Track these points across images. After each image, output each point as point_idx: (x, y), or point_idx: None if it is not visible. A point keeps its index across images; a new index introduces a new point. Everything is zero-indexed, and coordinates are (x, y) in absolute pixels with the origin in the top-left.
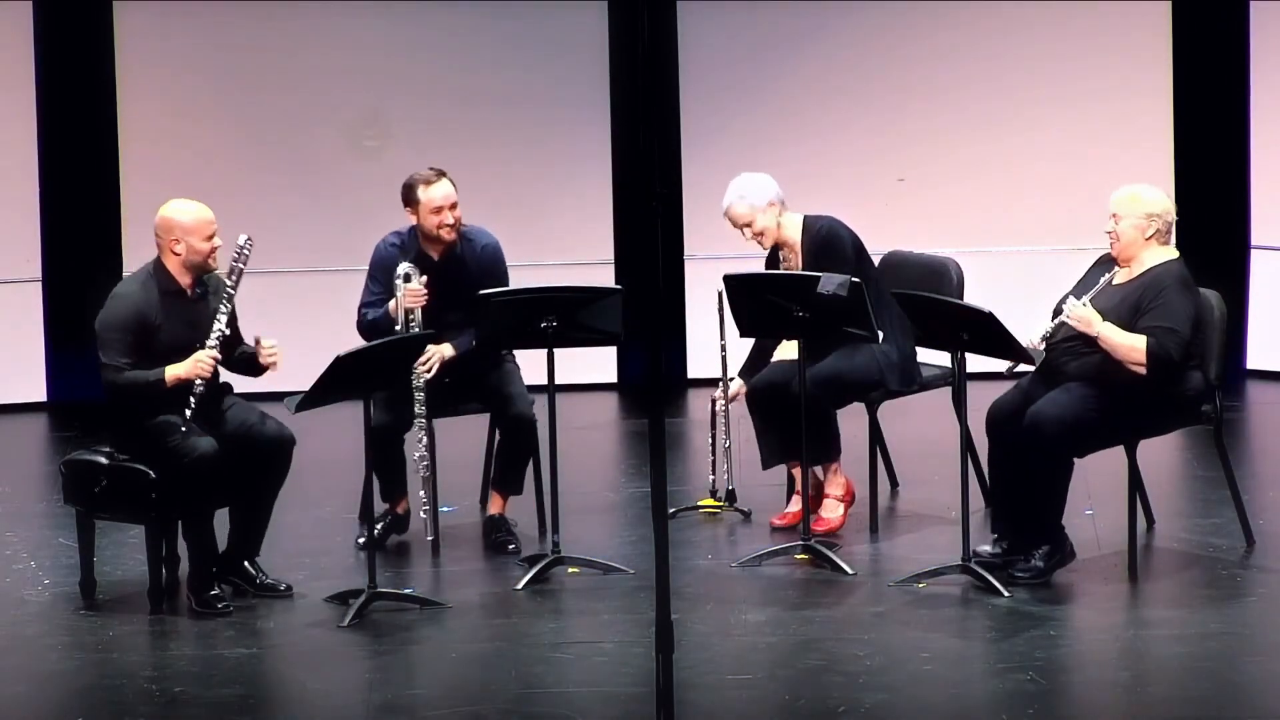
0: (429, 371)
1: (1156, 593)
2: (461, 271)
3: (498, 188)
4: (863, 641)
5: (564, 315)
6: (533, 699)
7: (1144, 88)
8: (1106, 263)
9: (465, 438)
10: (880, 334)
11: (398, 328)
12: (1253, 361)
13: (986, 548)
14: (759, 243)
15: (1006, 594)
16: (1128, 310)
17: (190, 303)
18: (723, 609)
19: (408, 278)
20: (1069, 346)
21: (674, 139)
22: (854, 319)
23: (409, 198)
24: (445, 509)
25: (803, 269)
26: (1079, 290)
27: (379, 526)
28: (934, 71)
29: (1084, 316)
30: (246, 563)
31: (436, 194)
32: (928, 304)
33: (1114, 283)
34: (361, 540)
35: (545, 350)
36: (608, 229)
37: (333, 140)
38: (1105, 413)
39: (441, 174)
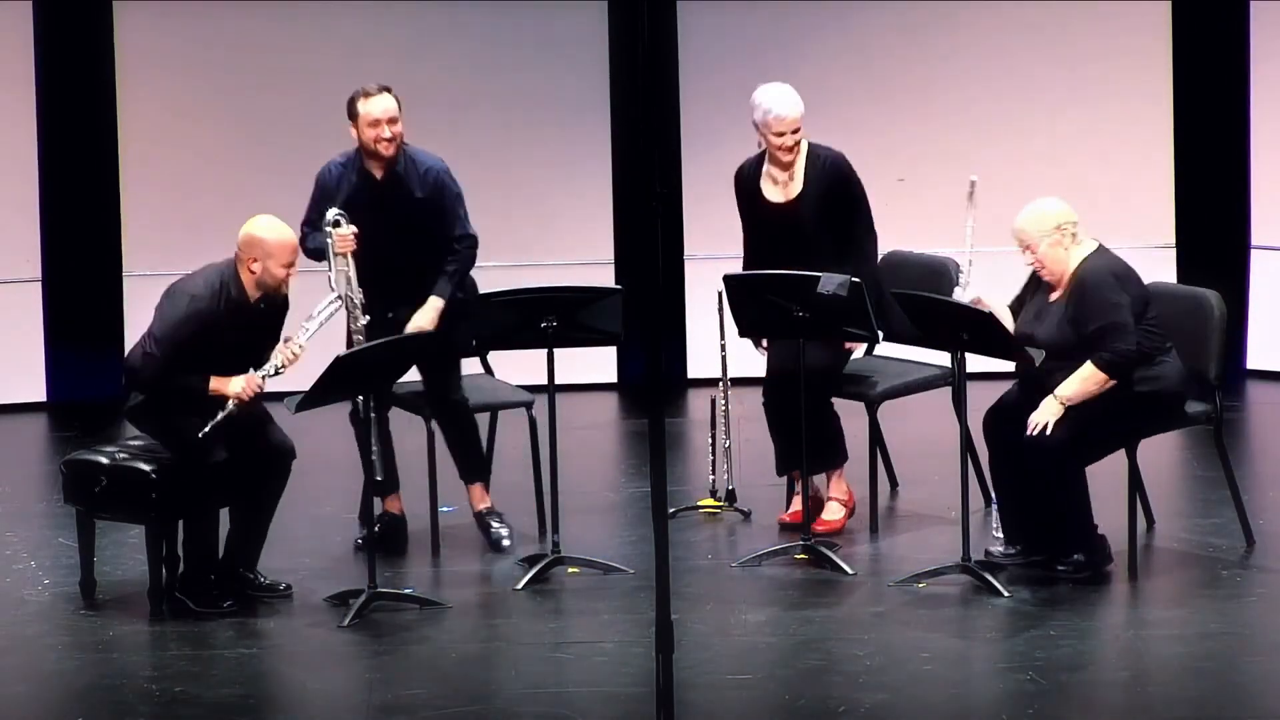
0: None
1: (1156, 593)
2: (404, 191)
3: (498, 188)
4: (863, 641)
5: (564, 315)
6: (533, 699)
7: (1144, 88)
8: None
9: None
10: (880, 334)
11: (330, 274)
12: (1253, 361)
13: (999, 548)
14: (784, 154)
15: (1006, 594)
16: (1070, 325)
17: (255, 312)
18: (723, 609)
19: (337, 223)
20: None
21: (674, 139)
22: (854, 319)
23: (350, 111)
24: (445, 509)
25: (798, 197)
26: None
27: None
28: (934, 72)
29: (1049, 412)
30: (244, 570)
31: (375, 107)
32: (928, 304)
33: (1050, 300)
34: (360, 540)
35: (545, 350)
36: (608, 229)
37: (332, 140)
38: (1096, 423)
39: (385, 89)
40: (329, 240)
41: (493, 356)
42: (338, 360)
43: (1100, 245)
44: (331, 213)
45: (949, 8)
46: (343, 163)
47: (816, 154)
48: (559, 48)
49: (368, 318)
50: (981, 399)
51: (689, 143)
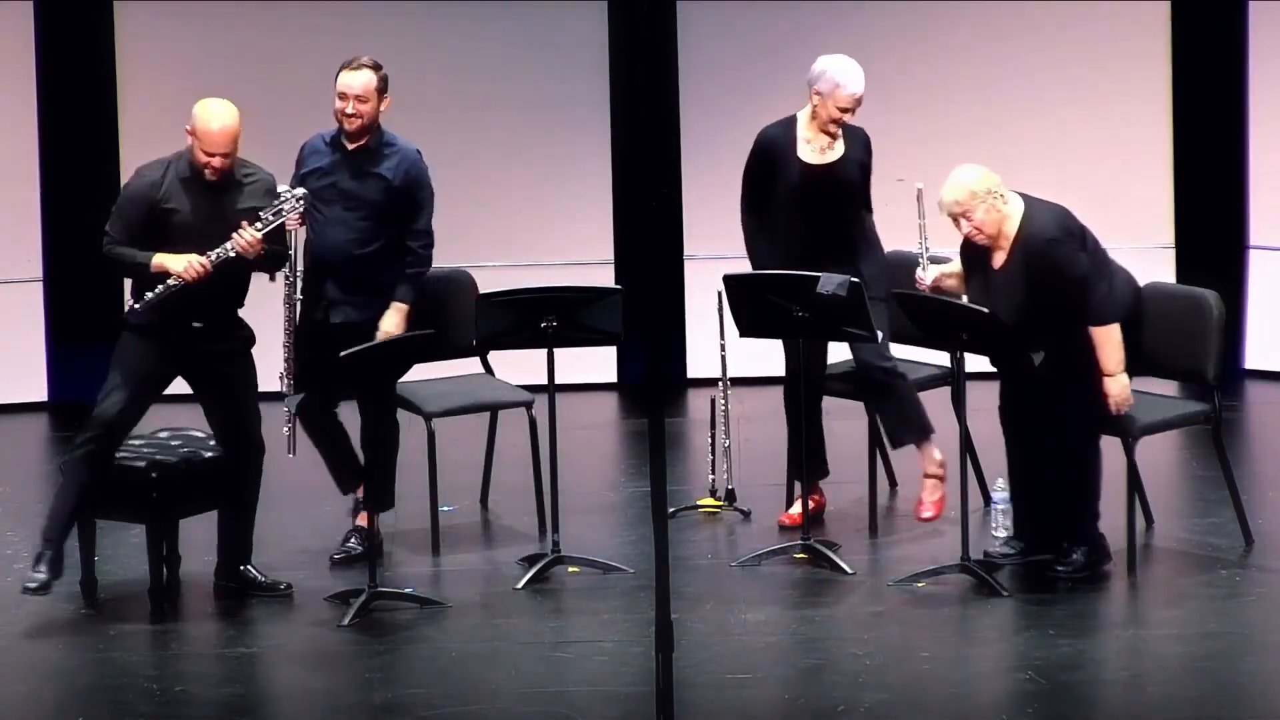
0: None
1: (1156, 592)
2: (374, 170)
3: (498, 188)
4: (862, 641)
5: (564, 315)
6: (533, 699)
7: (1142, 89)
8: (976, 250)
9: (465, 437)
10: (880, 334)
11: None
12: (1251, 361)
13: (998, 547)
14: (839, 125)
15: (1006, 593)
16: (1025, 287)
17: (214, 192)
18: (722, 608)
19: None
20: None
21: (674, 139)
22: (854, 319)
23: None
24: (445, 509)
25: (839, 160)
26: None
27: (349, 544)
28: (933, 72)
29: (1120, 388)
30: (243, 567)
31: (346, 80)
32: (927, 303)
33: (996, 269)
34: (339, 554)
35: (545, 350)
36: (608, 229)
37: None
38: (1091, 391)
39: (372, 67)
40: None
41: (493, 356)
42: (339, 359)
43: (1026, 198)
44: (281, 188)
45: (949, 8)
46: (324, 133)
47: (852, 131)
48: (559, 48)
49: (301, 296)
50: (981, 399)
51: (689, 143)
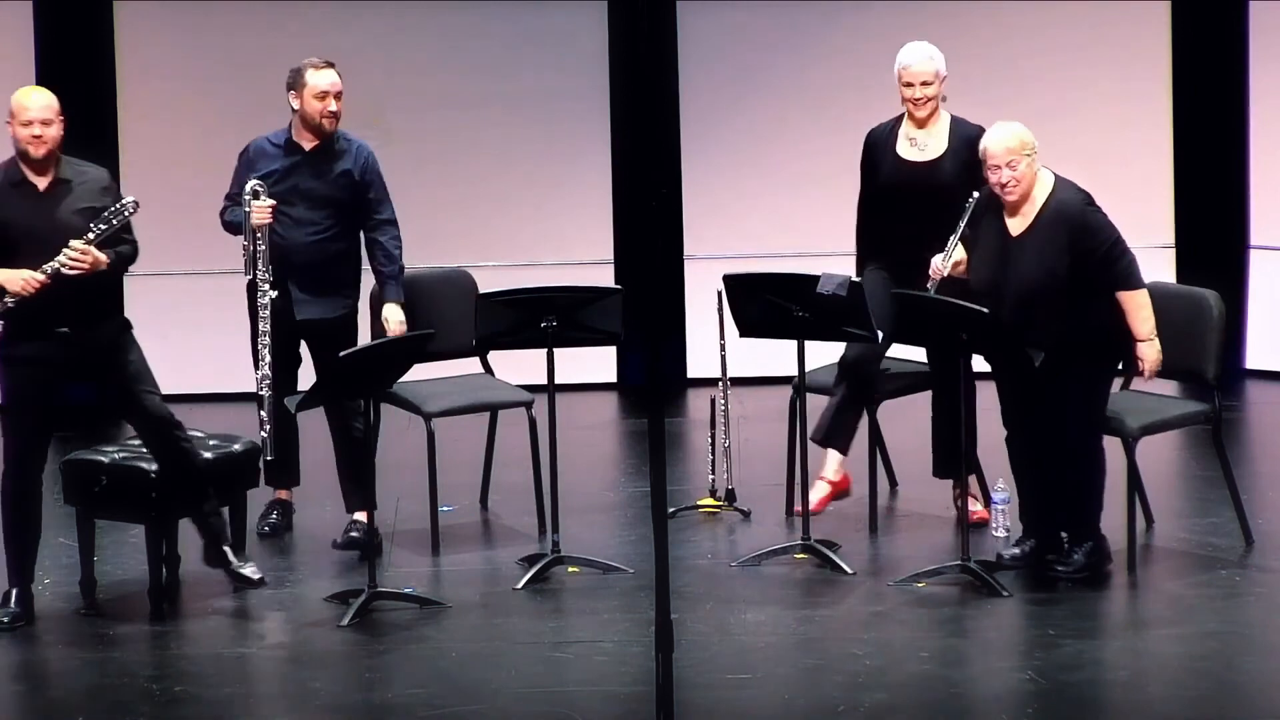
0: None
1: (1156, 592)
2: (335, 164)
3: (498, 187)
4: (862, 641)
5: (564, 315)
6: (533, 699)
7: (1143, 88)
8: (990, 211)
9: (465, 437)
10: (880, 334)
11: (244, 243)
12: (1252, 361)
13: (1007, 550)
14: (916, 107)
15: (1006, 594)
16: (1053, 253)
17: (43, 199)
18: (722, 608)
19: (255, 194)
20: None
21: (674, 139)
22: (854, 319)
23: (295, 81)
24: (445, 509)
25: (938, 159)
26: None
27: (272, 518)
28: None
29: (1154, 353)
30: (226, 549)
31: (324, 79)
32: (927, 303)
33: (1014, 234)
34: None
35: (545, 350)
36: (607, 229)
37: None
38: (1092, 380)
39: (330, 64)
40: (246, 210)
41: (493, 356)
42: (338, 360)
43: (1053, 171)
44: (251, 183)
45: (949, 8)
46: (270, 137)
47: (960, 122)
48: (559, 48)
49: (275, 292)
50: (981, 399)
51: (689, 142)
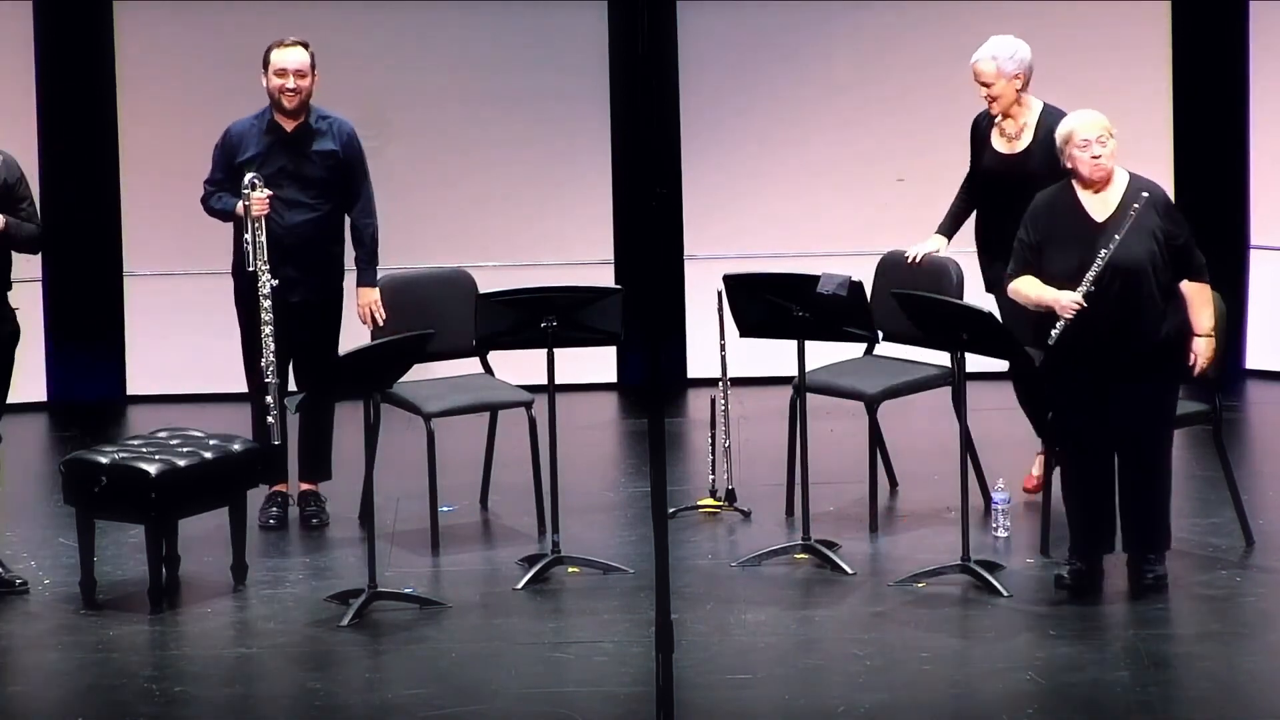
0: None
1: (1156, 592)
2: (316, 143)
3: (499, 188)
4: (862, 641)
5: (564, 315)
6: (533, 699)
7: (1143, 89)
8: (1058, 201)
9: (465, 437)
10: (880, 334)
11: (246, 237)
12: (1252, 361)
13: (1063, 566)
14: (990, 106)
15: (1006, 594)
16: (1149, 234)
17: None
18: (722, 609)
19: (253, 185)
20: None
21: (674, 138)
22: (854, 319)
23: (265, 60)
24: (445, 509)
25: (1025, 151)
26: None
27: (274, 511)
28: (933, 72)
29: (1209, 349)
30: None
31: (283, 57)
32: (927, 304)
33: (1098, 220)
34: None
35: (545, 350)
36: (607, 229)
37: None
38: (1172, 385)
39: (302, 45)
40: (247, 204)
41: (493, 356)
42: (338, 360)
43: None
44: (248, 176)
45: (947, 8)
46: (253, 118)
47: (1050, 113)
48: (559, 47)
49: (275, 281)
50: (980, 399)
51: (689, 142)
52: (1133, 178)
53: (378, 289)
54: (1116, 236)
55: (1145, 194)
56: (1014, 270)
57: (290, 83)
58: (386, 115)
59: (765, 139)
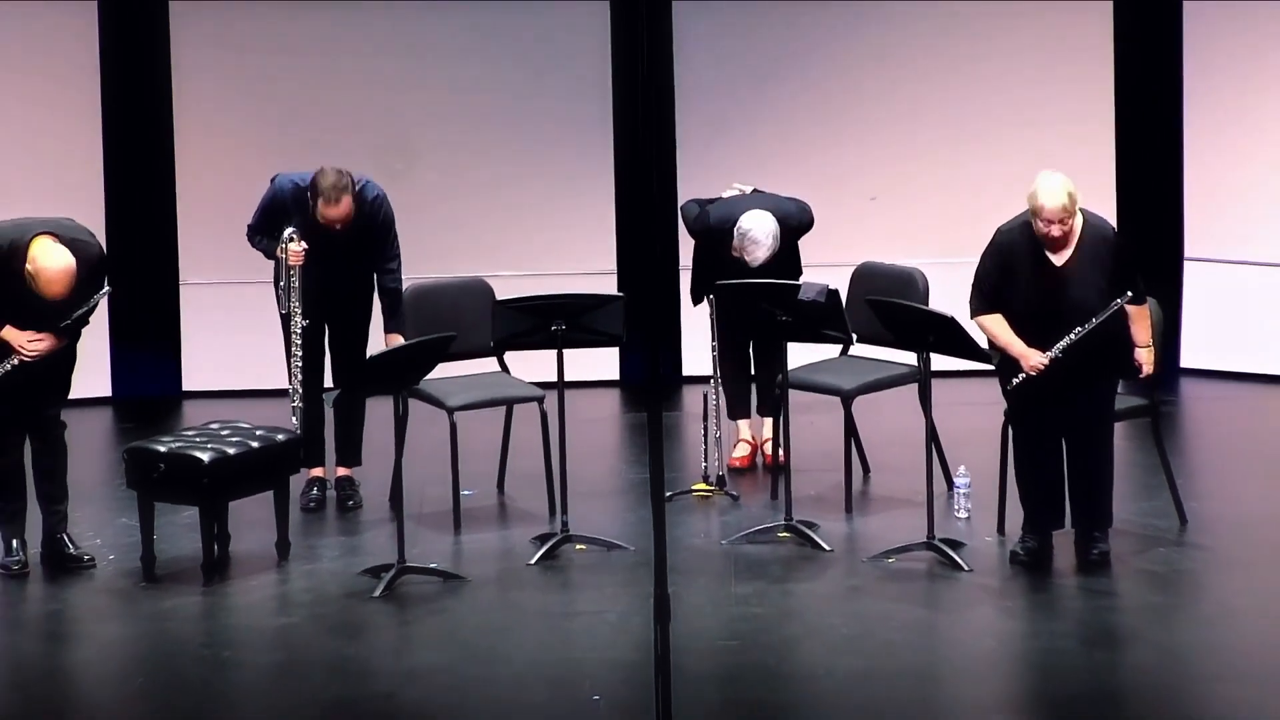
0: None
1: (1102, 568)
2: (354, 223)
3: (511, 205)
4: (840, 612)
5: (572, 320)
6: (544, 663)
7: (1090, 115)
8: (1019, 246)
9: (483, 429)
10: (854, 336)
11: (281, 283)
12: (1186, 360)
13: (1020, 546)
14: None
15: (967, 569)
16: (1100, 275)
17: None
18: (714, 582)
19: (291, 238)
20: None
21: (670, 152)
22: (831, 323)
23: (311, 193)
24: (465, 493)
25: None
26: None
27: (314, 494)
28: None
29: (1151, 358)
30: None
31: (331, 214)
32: (897, 309)
33: (1058, 265)
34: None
35: (555, 351)
36: (610, 242)
37: (387, 145)
38: (1114, 385)
39: (344, 188)
40: (283, 256)
41: (508, 356)
42: (369, 361)
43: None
44: (287, 231)
45: (949, 8)
46: (299, 182)
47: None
48: (563, 56)
49: (306, 320)
50: (945, 395)
51: (685, 146)
52: (1087, 220)
53: (401, 336)
54: (1094, 320)
55: (1106, 247)
56: (981, 306)
57: (336, 226)
58: (412, 141)
59: (764, 141)
